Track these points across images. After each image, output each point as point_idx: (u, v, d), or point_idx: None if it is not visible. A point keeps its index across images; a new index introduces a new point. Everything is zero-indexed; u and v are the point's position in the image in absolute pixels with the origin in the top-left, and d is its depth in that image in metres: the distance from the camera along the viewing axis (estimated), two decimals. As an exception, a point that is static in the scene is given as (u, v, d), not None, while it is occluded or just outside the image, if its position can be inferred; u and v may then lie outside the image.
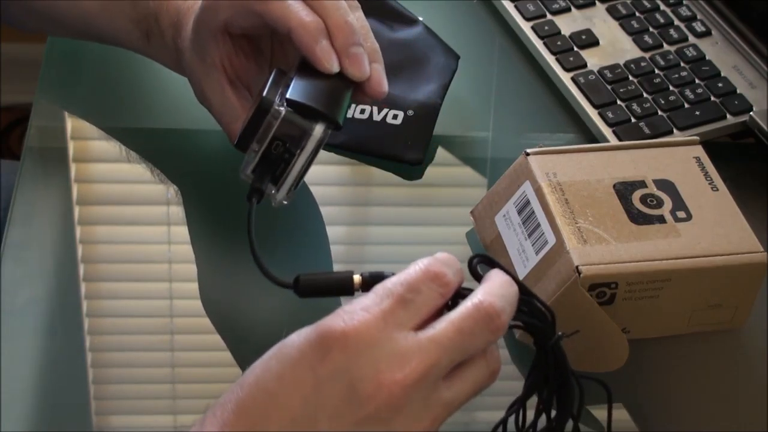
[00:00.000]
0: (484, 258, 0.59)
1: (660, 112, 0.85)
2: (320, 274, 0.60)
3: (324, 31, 0.67)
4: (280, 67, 0.68)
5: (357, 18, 0.69)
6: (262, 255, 0.61)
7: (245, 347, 0.71)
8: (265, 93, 0.65)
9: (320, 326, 0.53)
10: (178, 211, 0.80)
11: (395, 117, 0.83)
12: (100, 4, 0.78)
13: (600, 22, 0.92)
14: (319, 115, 0.66)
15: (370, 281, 0.57)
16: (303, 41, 0.66)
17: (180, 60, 0.75)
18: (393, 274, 0.56)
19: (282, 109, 0.65)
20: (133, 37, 0.77)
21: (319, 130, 0.66)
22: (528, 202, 0.71)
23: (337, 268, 0.68)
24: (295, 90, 0.66)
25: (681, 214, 0.70)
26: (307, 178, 0.80)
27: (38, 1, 0.81)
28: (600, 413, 0.69)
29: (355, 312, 0.53)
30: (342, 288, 0.59)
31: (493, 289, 0.56)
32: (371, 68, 0.68)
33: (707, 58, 0.89)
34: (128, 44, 0.79)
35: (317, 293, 0.59)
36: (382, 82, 0.68)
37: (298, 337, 0.54)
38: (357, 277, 0.58)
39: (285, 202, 0.67)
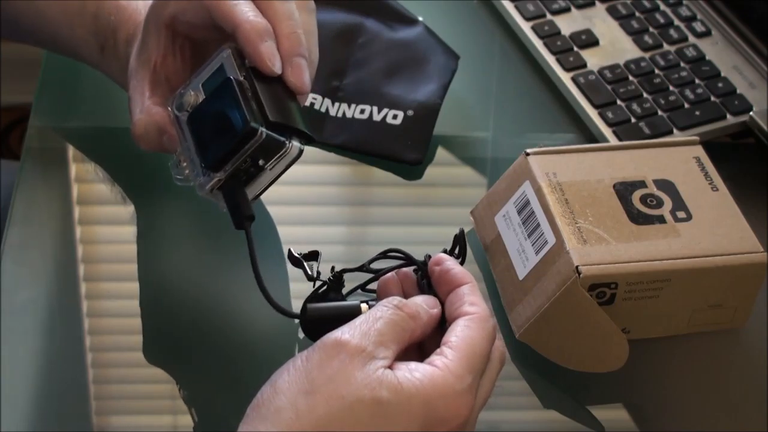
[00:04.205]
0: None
1: (660, 112, 0.85)
2: (328, 306, 0.62)
3: (271, 32, 0.65)
4: (235, 79, 0.65)
5: (307, 22, 0.69)
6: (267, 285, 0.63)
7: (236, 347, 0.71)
8: (248, 117, 0.63)
9: (427, 403, 0.56)
10: (178, 210, 0.80)
11: (395, 117, 0.83)
12: (63, 13, 0.77)
13: (600, 22, 0.92)
14: (296, 131, 0.65)
15: None
16: (249, 39, 0.65)
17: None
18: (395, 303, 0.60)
19: (264, 130, 0.63)
20: (89, 49, 0.77)
21: (296, 147, 0.64)
22: (528, 202, 0.71)
23: (337, 268, 0.69)
24: (270, 108, 0.64)
25: (681, 214, 0.70)
26: (308, 178, 0.80)
27: (6, 8, 0.80)
28: (600, 413, 0.69)
29: (459, 396, 0.57)
30: (350, 316, 0.60)
31: (475, 299, 0.62)
32: (294, 62, 0.66)
33: (707, 58, 0.89)
34: (83, 55, 0.78)
35: (325, 324, 0.60)
36: (303, 80, 0.66)
37: (398, 408, 0.55)
38: (364, 306, 0.61)
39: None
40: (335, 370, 0.55)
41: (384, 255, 0.68)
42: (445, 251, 0.67)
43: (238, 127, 0.63)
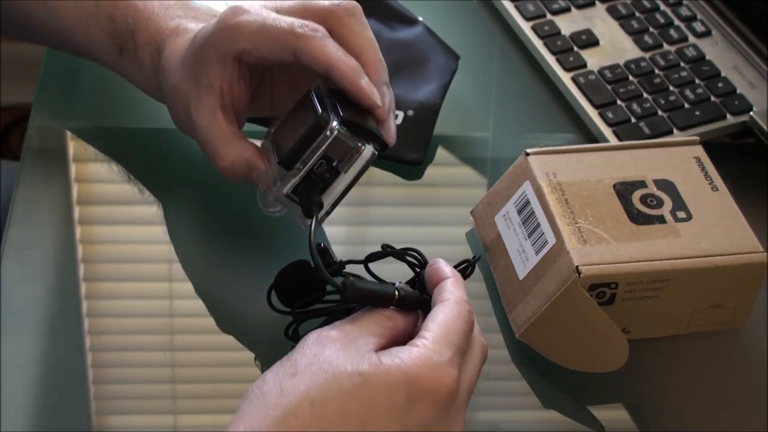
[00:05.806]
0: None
1: (660, 112, 0.85)
2: (367, 282, 0.63)
3: (362, 69, 0.69)
4: (313, 89, 0.68)
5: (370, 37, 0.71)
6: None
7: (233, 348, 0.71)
8: (320, 111, 0.65)
9: (407, 374, 0.57)
10: (178, 210, 0.80)
11: (395, 117, 0.83)
12: (77, 15, 0.77)
13: (600, 22, 0.92)
14: (370, 135, 0.67)
15: (406, 300, 0.62)
16: (347, 77, 0.67)
17: (154, 79, 0.74)
18: (427, 296, 0.63)
19: (336, 125, 0.65)
20: (106, 51, 0.77)
21: (369, 149, 0.66)
22: (528, 202, 0.71)
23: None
24: (344, 110, 0.66)
25: (681, 214, 0.70)
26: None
27: (16, 8, 0.80)
28: (600, 413, 0.69)
29: (440, 366, 0.58)
30: (384, 301, 0.62)
31: (454, 288, 0.63)
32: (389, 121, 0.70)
33: (707, 58, 0.89)
34: (100, 58, 0.78)
35: (361, 300, 0.62)
36: (386, 108, 0.70)
37: (379, 379, 0.57)
38: (396, 294, 0.62)
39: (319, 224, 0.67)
40: (318, 353, 0.58)
41: (403, 255, 0.67)
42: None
43: (310, 122, 0.65)
